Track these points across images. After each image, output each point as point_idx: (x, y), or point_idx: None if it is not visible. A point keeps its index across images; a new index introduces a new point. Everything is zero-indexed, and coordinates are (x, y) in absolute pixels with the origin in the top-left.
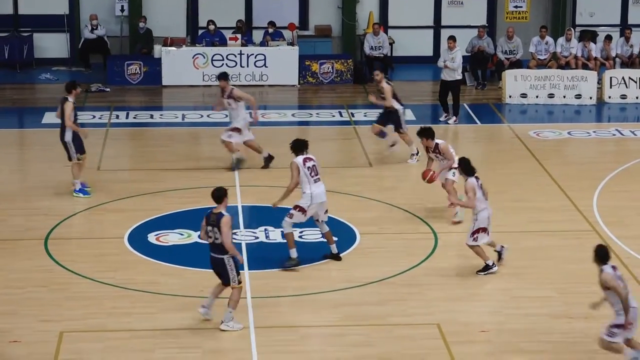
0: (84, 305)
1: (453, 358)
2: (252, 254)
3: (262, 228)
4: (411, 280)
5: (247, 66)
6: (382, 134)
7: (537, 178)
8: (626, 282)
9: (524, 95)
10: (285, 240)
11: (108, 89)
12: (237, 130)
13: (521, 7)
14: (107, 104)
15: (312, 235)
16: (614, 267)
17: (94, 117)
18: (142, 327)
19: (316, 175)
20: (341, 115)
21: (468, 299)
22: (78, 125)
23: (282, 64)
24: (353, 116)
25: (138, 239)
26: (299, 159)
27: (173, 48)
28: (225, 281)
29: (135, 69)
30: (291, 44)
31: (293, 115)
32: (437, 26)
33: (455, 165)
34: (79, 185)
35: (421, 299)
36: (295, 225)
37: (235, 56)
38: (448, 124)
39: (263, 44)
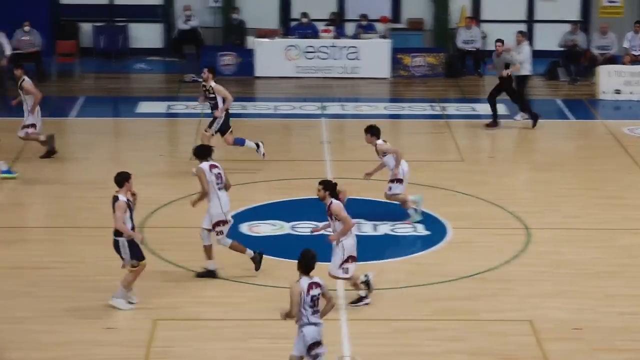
0: (176, 294)
1: (545, 355)
2: None
3: (354, 220)
4: (502, 276)
5: (340, 59)
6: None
7: (631, 175)
8: None
9: (618, 92)
10: (374, 233)
11: (201, 80)
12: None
13: (616, 2)
14: (201, 95)
15: (404, 230)
16: None
17: (187, 107)
18: (234, 317)
19: (222, 182)
20: (432, 109)
21: (560, 295)
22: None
23: (374, 56)
24: (445, 110)
25: (231, 229)
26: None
27: (266, 39)
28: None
29: (229, 60)
30: (383, 36)
31: (385, 108)
32: (529, 20)
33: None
34: None
35: (513, 295)
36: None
37: (328, 48)
38: (515, 119)
39: (355, 36)
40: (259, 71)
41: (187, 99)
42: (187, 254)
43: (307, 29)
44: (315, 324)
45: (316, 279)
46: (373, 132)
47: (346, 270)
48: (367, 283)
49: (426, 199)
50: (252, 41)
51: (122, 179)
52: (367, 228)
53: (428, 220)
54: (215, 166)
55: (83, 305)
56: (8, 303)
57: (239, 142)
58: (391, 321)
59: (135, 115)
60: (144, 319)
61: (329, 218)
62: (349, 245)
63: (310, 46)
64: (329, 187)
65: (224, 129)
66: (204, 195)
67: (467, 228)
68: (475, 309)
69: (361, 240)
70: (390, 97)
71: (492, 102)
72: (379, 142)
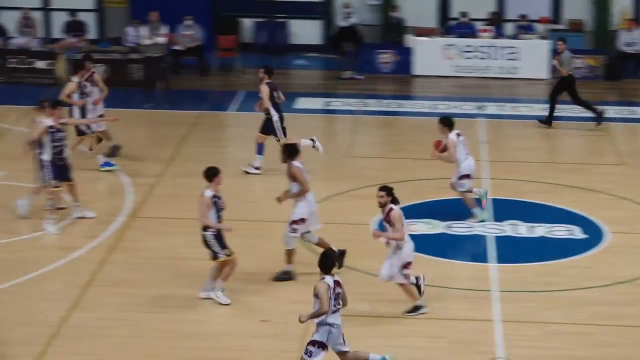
0: None
1: None
2: (500, 247)
3: (510, 222)
4: None
5: (498, 59)
6: None
7: None
8: None
9: None
10: (529, 235)
11: (360, 77)
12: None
13: None
14: (358, 92)
15: (560, 232)
16: None
17: (345, 104)
18: (388, 314)
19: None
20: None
21: None
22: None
23: (533, 57)
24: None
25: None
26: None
27: (425, 38)
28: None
29: (387, 58)
30: (543, 37)
31: (543, 109)
32: None
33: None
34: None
35: None
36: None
37: (487, 48)
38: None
39: (515, 36)
40: (418, 70)
41: (345, 95)
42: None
43: (465, 28)
44: (332, 325)
45: (337, 278)
46: (446, 122)
47: (406, 276)
48: (418, 286)
49: (584, 202)
50: (410, 39)
51: (211, 174)
52: (522, 230)
53: (585, 223)
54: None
55: (236, 298)
56: (157, 292)
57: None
58: (546, 324)
59: (294, 110)
60: (295, 312)
61: (385, 224)
62: (407, 251)
63: (469, 45)
64: (391, 193)
65: (269, 131)
66: (303, 192)
67: (626, 233)
68: (633, 315)
69: (516, 241)
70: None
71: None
72: (451, 135)
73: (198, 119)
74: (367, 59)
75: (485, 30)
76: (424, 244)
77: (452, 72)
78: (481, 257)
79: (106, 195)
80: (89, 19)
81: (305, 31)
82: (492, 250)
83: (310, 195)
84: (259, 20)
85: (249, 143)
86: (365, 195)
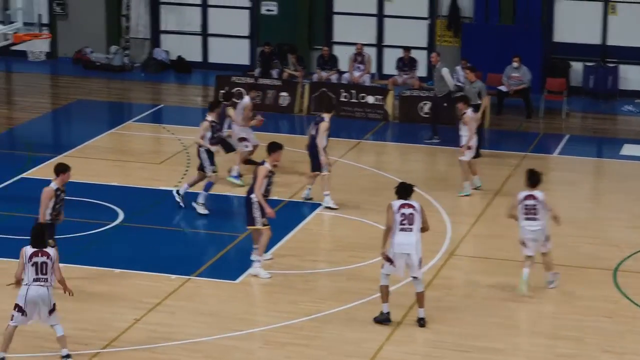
0: None
1: None
2: None
3: None
4: None
5: None
6: None
7: None
8: None
9: None
10: None
11: None
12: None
13: None
14: None
15: None
16: None
17: None
18: None
19: (409, 224)
20: None
21: None
22: None
23: None
24: None
25: None
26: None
27: None
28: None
29: None
30: None
31: None
32: None
33: None
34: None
35: None
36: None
37: None
38: None
39: None
40: None
41: None
42: None
43: None
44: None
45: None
46: (464, 99)
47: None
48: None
49: None
50: None
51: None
52: None
53: None
54: (410, 205)
55: None
56: (465, 332)
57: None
58: None
59: (619, 157)
60: None
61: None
62: None
63: None
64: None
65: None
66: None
67: None
68: None
69: None
70: None
71: None
72: (468, 111)
73: (520, 160)
74: None
75: None
76: None
77: None
78: None
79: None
80: (421, 57)
81: (636, 77)
82: None
83: None
84: (589, 64)
85: (575, 187)
86: None
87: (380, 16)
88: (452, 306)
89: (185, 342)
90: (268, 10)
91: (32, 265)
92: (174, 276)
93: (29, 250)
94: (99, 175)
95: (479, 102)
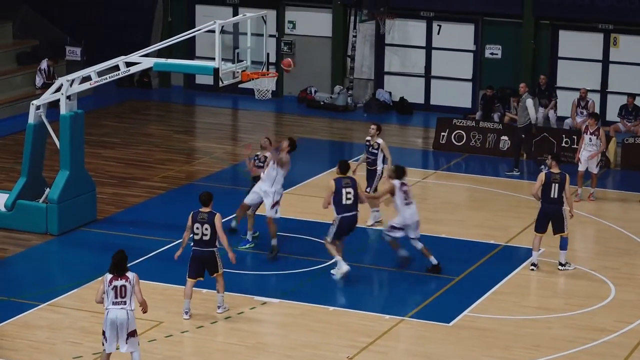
0: None
1: None
2: None
3: None
4: None
5: None
6: None
7: None
8: None
9: None
10: None
11: None
12: None
13: None
14: None
15: None
16: None
17: None
18: None
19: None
20: None
21: None
22: None
23: None
24: None
25: None
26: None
27: None
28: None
29: None
30: None
31: None
32: None
33: None
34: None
35: None
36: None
37: None
38: None
39: None
40: None
41: None
42: None
43: None
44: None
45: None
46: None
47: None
48: None
49: None
50: None
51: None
52: None
53: None
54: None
55: None
56: None
57: None
58: None
59: None
60: None
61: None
62: None
63: None
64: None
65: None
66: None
67: None
68: None
69: None
70: None
71: None
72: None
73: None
74: None
75: None
76: None
77: None
78: None
79: None
80: None
81: None
82: None
83: None
84: None
85: None
86: None
87: (606, 62)
88: None
89: None
90: (492, 53)
91: (112, 289)
92: (387, 316)
93: (108, 275)
94: (316, 213)
95: None
